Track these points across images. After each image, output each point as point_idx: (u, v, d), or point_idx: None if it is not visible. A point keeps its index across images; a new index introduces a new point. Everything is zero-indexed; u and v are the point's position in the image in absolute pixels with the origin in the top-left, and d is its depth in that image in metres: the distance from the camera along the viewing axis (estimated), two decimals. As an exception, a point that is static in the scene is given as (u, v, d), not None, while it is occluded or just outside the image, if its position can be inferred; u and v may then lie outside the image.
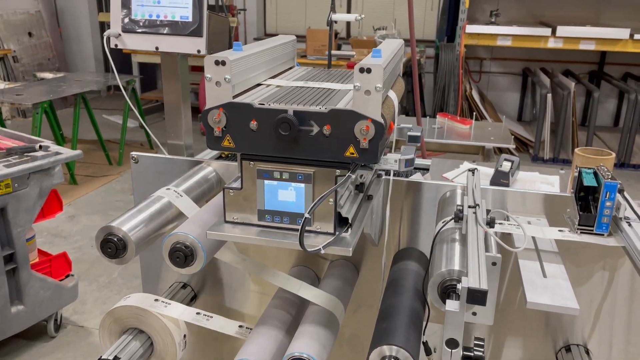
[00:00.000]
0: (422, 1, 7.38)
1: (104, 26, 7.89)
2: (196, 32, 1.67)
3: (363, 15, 1.81)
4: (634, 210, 1.34)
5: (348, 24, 7.66)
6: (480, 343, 1.08)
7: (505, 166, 1.78)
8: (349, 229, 1.21)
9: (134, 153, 1.75)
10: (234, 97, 1.20)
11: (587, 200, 1.36)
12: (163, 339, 1.45)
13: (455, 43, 6.12)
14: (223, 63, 1.16)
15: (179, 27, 1.68)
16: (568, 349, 1.59)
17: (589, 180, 1.35)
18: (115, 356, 1.38)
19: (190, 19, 1.67)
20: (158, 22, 1.70)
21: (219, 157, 1.89)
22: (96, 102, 7.63)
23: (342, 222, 1.21)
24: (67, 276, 3.01)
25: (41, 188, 2.64)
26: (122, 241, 1.30)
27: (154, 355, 1.48)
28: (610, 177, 1.29)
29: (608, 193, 1.27)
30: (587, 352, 1.58)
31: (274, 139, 1.16)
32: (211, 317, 1.47)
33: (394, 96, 1.31)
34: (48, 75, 6.10)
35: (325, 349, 1.29)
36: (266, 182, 1.21)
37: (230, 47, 1.31)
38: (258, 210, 1.24)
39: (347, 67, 5.07)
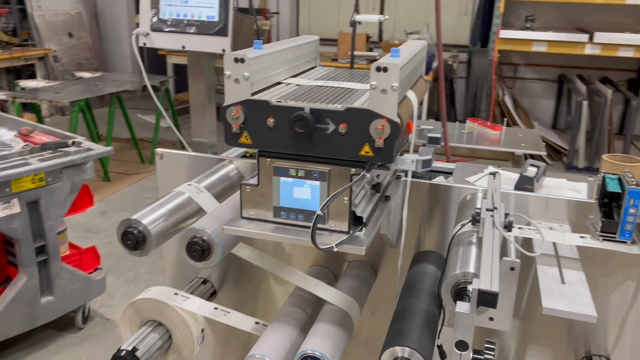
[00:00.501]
0: (456, 6, 7.31)
1: (141, 28, 8.04)
2: (222, 32, 1.70)
3: (387, 17, 1.81)
4: (659, 218, 1.30)
5: (380, 27, 7.64)
6: (491, 347, 1.06)
7: (531, 171, 1.74)
8: (364, 228, 1.21)
9: (158, 150, 1.78)
10: (253, 94, 1.21)
11: (610, 206, 1.33)
12: (181, 332, 1.47)
13: (489, 48, 6.04)
14: (242, 60, 1.18)
15: (205, 26, 1.71)
16: (590, 359, 1.56)
17: (612, 187, 1.31)
18: (134, 347, 1.40)
19: (216, 19, 1.70)
20: (185, 22, 1.73)
21: (244, 156, 1.91)
22: (132, 102, 7.79)
23: (357, 221, 1.21)
24: (96, 269, 3.09)
25: (73, 183, 2.71)
26: (142, 234, 1.33)
27: (172, 348, 1.50)
28: (635, 183, 1.26)
29: (632, 200, 1.24)
30: (609, 363, 1.54)
31: (290, 136, 1.17)
32: (228, 312, 1.49)
33: (413, 97, 1.31)
34: (86, 74, 6.26)
35: (338, 348, 1.29)
36: (282, 179, 1.22)
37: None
38: (273, 207, 1.25)
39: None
